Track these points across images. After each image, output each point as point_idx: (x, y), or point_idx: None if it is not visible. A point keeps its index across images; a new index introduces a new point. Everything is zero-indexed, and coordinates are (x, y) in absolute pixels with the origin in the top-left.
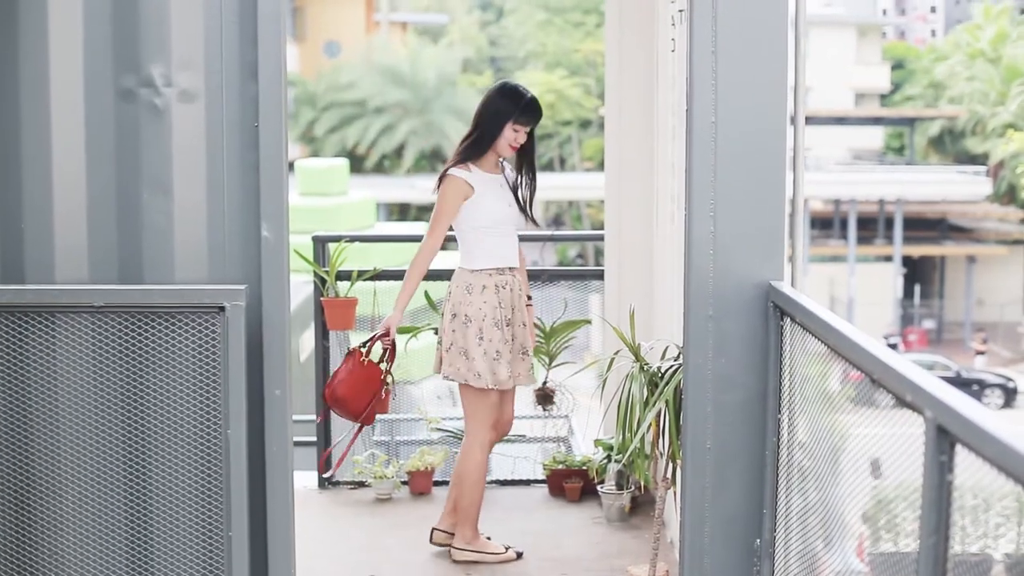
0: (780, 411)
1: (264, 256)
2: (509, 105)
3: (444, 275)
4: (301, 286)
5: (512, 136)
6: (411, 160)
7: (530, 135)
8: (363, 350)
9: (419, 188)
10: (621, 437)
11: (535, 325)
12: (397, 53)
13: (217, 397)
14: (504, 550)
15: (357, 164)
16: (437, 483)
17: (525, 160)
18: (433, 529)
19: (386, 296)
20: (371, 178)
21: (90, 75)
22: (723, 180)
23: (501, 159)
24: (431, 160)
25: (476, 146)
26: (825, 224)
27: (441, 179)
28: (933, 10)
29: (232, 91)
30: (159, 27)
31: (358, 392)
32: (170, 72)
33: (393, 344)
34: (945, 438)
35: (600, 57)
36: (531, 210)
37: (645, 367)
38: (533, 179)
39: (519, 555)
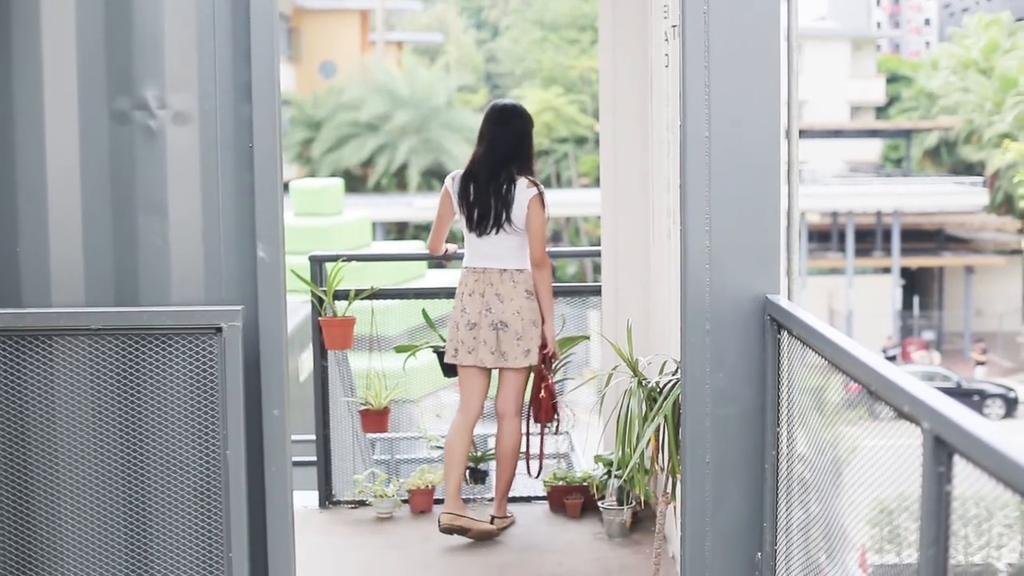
0: (779, 424)
1: (260, 276)
2: (531, 120)
3: (441, 293)
4: (299, 306)
5: None
6: (413, 179)
7: None
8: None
9: (416, 207)
10: (621, 452)
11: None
12: (393, 72)
13: (215, 418)
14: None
15: (354, 184)
16: (437, 501)
17: None
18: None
19: (384, 315)
20: (368, 197)
21: (84, 98)
22: (717, 194)
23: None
24: (427, 178)
25: (525, 166)
26: (823, 237)
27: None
28: (927, 22)
29: (226, 112)
30: (152, 49)
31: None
32: (164, 94)
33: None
34: (943, 449)
35: (595, 74)
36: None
37: (643, 382)
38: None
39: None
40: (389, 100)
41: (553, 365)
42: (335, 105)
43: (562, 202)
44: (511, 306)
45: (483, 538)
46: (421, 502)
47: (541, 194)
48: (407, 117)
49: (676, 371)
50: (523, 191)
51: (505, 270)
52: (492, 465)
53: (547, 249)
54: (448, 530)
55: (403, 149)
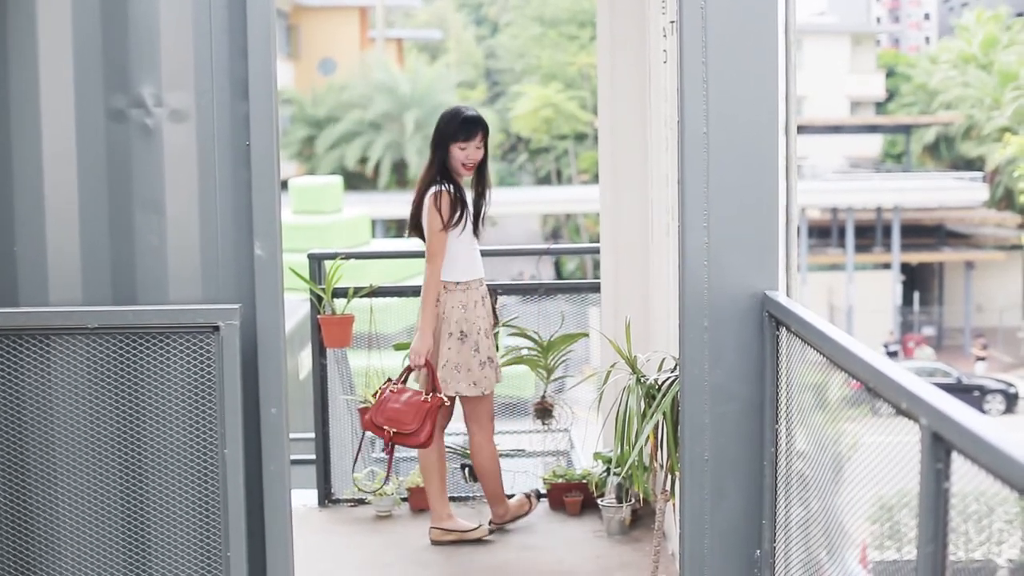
0: (777, 421)
1: (258, 274)
2: (448, 127)
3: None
4: (298, 304)
5: (461, 155)
6: (414, 176)
7: (484, 152)
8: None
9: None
10: (620, 450)
11: (530, 337)
12: (393, 69)
13: (213, 417)
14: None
15: (354, 181)
16: None
17: (478, 176)
18: (492, 523)
19: (383, 313)
20: (368, 195)
21: (80, 96)
22: (716, 190)
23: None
24: None
25: (430, 173)
26: (823, 233)
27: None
28: (927, 17)
29: (223, 110)
30: (148, 47)
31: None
32: (160, 92)
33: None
34: (941, 445)
35: (594, 70)
36: (483, 224)
37: (642, 379)
38: (484, 194)
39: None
40: (390, 97)
41: (409, 379)
42: (335, 102)
43: (562, 199)
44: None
45: (479, 539)
46: (421, 500)
47: (437, 193)
48: (408, 114)
49: (675, 368)
50: (428, 196)
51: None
52: None
53: (548, 246)
54: (438, 544)
55: (404, 146)
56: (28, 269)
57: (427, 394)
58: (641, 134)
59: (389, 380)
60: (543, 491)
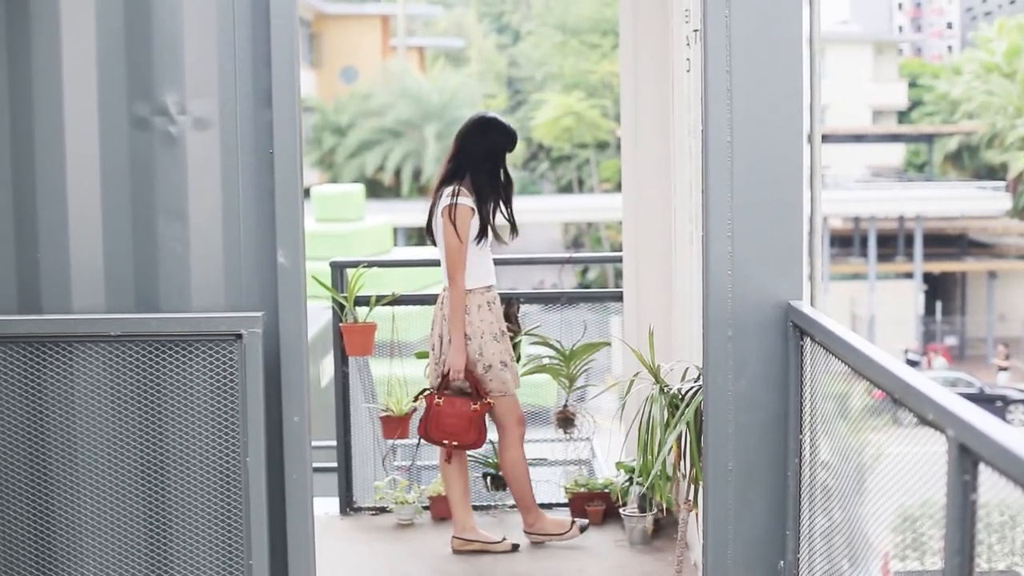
0: (801, 431)
1: (281, 282)
2: (509, 135)
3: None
4: (320, 312)
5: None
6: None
7: None
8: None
9: None
10: (643, 459)
11: (552, 346)
12: (417, 77)
13: (235, 425)
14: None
15: (377, 189)
16: None
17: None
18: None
19: (405, 321)
20: (391, 203)
21: (104, 104)
22: (740, 199)
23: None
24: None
25: (493, 180)
26: (845, 242)
27: (451, 209)
28: (949, 26)
29: (246, 118)
30: (172, 55)
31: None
32: (184, 100)
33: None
34: (968, 457)
35: (617, 79)
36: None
37: (665, 388)
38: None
39: (514, 547)
40: (413, 104)
41: (454, 386)
42: (357, 111)
43: (584, 207)
44: (436, 329)
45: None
46: (442, 508)
47: (452, 205)
48: (430, 123)
49: (698, 377)
50: (443, 199)
51: (443, 287)
52: None
53: (570, 255)
54: (460, 553)
55: (426, 154)
56: (51, 276)
57: (475, 403)
58: (664, 143)
59: (429, 392)
60: (586, 523)
